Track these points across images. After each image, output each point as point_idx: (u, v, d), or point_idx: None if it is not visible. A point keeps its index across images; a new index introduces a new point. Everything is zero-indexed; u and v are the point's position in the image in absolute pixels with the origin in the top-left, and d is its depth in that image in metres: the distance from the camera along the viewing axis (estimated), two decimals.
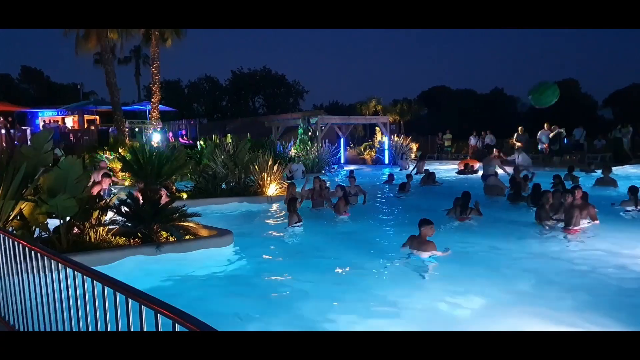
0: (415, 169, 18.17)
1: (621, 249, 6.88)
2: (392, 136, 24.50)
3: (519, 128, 22.51)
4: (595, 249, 6.95)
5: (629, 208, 9.50)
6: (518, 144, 20.18)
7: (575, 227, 7.77)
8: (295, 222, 8.61)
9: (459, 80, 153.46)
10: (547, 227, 8.21)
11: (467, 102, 48.39)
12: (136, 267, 6.08)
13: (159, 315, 2.05)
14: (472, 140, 24.59)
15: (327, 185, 11.43)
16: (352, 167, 20.13)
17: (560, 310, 4.74)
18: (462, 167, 18.41)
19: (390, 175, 15.59)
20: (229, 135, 22.60)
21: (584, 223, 8.07)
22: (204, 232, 7.30)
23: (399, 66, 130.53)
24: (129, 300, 2.25)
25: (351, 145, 27.67)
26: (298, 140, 21.04)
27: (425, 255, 6.33)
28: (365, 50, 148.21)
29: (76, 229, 6.45)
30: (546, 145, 20.35)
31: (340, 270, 6.28)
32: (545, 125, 20.87)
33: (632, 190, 9.62)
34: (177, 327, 1.96)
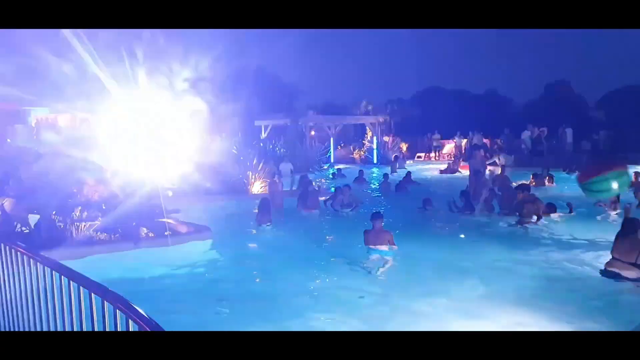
0: (391, 169, 18.50)
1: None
2: (383, 136, 24.83)
3: (505, 130, 22.92)
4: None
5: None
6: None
7: (530, 220, 8.52)
8: (266, 222, 8.91)
9: (453, 81, 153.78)
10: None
11: (461, 102, 48.68)
12: (115, 262, 6.34)
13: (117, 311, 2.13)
14: (457, 140, 24.94)
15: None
16: (340, 166, 20.40)
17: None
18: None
19: (360, 173, 15.96)
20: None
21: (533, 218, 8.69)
22: (182, 229, 7.57)
23: (394, 66, 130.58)
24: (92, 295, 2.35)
25: (341, 145, 27.97)
26: (286, 139, 21.26)
27: (383, 247, 6.65)
28: (359, 49, 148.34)
29: (59, 224, 6.72)
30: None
31: (308, 268, 6.54)
32: (529, 126, 21.23)
33: None
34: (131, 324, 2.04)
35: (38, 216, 6.43)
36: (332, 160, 24.64)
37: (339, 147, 27.33)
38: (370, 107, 30.14)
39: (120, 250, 6.59)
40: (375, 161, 23.92)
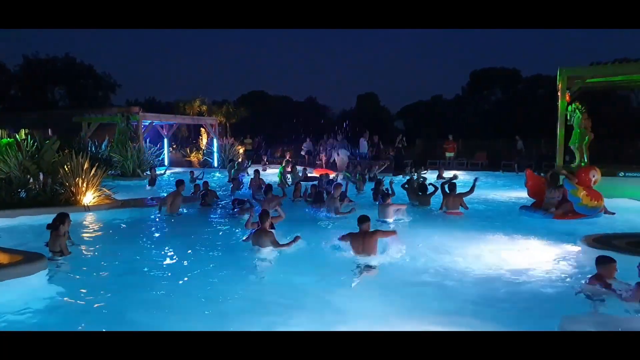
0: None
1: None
2: (222, 138, 23.73)
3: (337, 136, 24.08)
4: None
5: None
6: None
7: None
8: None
9: (276, 87, 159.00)
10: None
11: (284, 108, 50.03)
12: None
13: None
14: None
15: None
16: (177, 170, 18.75)
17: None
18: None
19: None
20: (24, 131, 19.06)
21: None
22: (3, 258, 5.63)
23: (220, 67, 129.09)
24: None
25: (174, 147, 25.98)
26: (115, 140, 18.65)
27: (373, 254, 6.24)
28: (185, 48, 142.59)
29: None
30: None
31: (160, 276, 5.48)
32: (365, 134, 22.54)
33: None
34: None
35: None
36: (166, 164, 22.69)
37: (171, 149, 25.29)
38: (204, 108, 28.65)
39: None
40: (215, 165, 22.68)
